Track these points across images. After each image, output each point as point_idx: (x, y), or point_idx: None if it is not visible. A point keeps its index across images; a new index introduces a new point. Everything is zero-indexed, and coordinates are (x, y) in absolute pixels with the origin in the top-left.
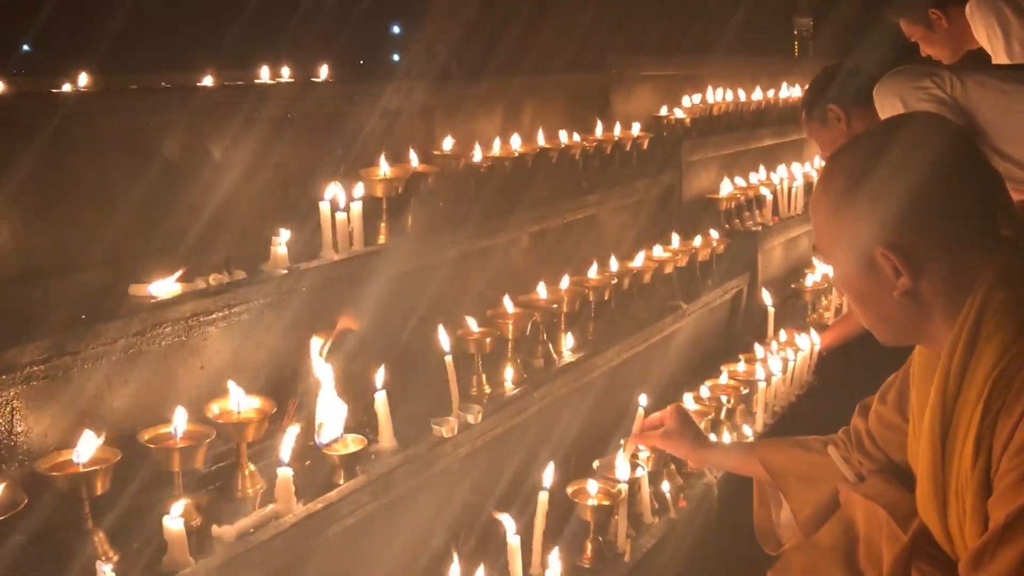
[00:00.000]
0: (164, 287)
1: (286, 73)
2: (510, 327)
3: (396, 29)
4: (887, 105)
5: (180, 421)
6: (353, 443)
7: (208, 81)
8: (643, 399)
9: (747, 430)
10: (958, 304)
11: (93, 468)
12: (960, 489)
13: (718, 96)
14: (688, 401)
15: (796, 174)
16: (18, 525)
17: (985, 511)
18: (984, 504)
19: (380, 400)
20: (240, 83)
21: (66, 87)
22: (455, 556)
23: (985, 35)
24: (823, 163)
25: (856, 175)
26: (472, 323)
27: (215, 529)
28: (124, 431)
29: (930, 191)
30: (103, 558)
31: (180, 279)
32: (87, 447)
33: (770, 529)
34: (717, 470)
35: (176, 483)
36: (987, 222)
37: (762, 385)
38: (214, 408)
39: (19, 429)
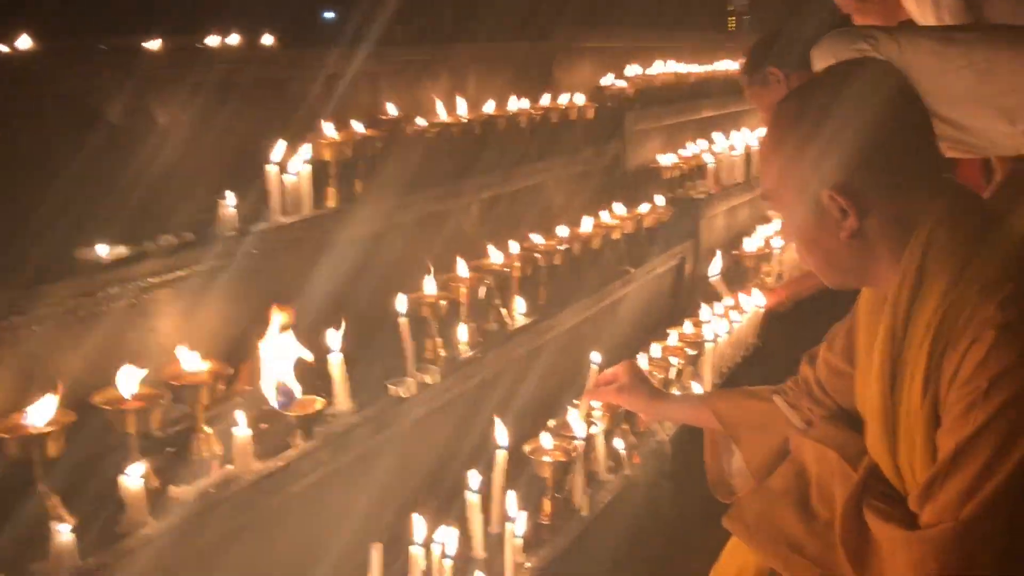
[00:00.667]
0: (112, 250)
1: (234, 39)
2: (463, 291)
3: None
4: (823, 66)
5: (130, 382)
6: (311, 404)
7: (154, 45)
8: (596, 356)
9: (697, 389)
10: (903, 244)
11: (46, 430)
12: (909, 425)
13: (660, 68)
14: (641, 362)
15: (736, 145)
16: None
17: (934, 445)
18: (932, 438)
19: (336, 362)
20: (185, 47)
21: (3, 48)
22: (417, 514)
23: (915, 3)
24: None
25: (802, 120)
26: (428, 286)
27: (173, 490)
28: (76, 394)
29: (874, 133)
30: (58, 520)
31: (128, 242)
32: (43, 409)
33: (722, 479)
34: (671, 423)
35: (131, 445)
36: (928, 164)
37: (709, 347)
38: (169, 370)
39: None
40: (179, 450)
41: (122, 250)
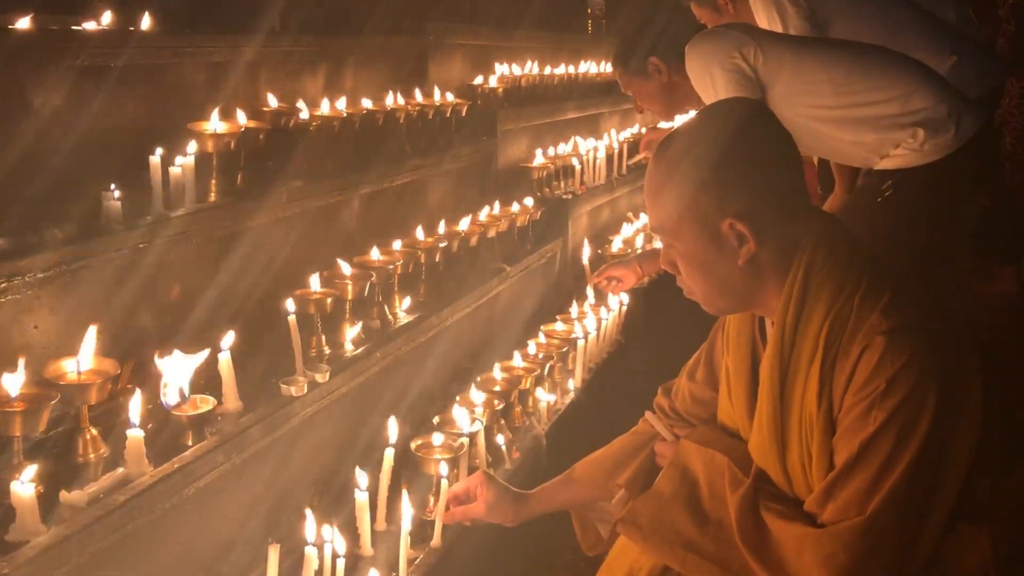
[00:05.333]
0: None
1: (107, 20)
2: (349, 288)
3: None
4: (696, 69)
5: (15, 382)
6: (201, 403)
7: (24, 24)
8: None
9: (570, 384)
10: (787, 267)
11: None
12: (804, 433)
13: (526, 69)
14: (516, 359)
15: (600, 148)
16: None
17: (831, 449)
18: (829, 443)
19: (224, 360)
20: (56, 28)
21: None
22: (307, 513)
23: (767, 22)
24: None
25: (695, 155)
26: (315, 283)
27: (63, 495)
28: None
29: (763, 164)
30: None
31: (10, 234)
32: None
33: (599, 541)
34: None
35: (16, 449)
36: (801, 194)
37: (580, 343)
38: (53, 369)
39: None
40: (60, 452)
41: (2, 243)
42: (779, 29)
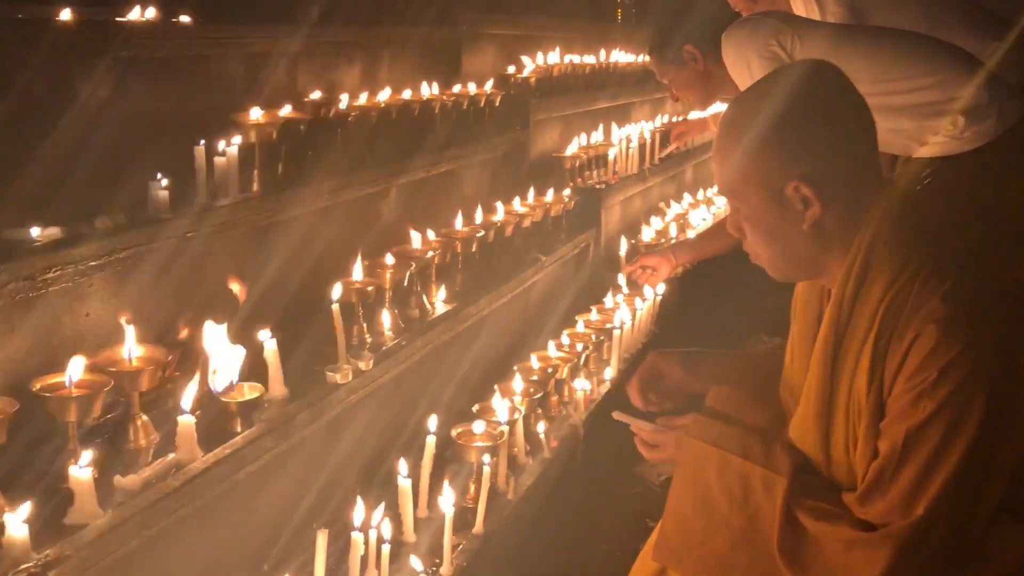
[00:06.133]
0: (46, 231)
1: (150, 12)
2: (388, 277)
3: None
4: (733, 58)
5: (75, 369)
6: (249, 391)
7: (66, 15)
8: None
9: (606, 373)
10: (851, 237)
11: None
12: (852, 412)
13: (556, 58)
14: (551, 349)
15: (632, 136)
16: None
17: (876, 433)
18: (876, 427)
19: (270, 348)
20: (103, 20)
21: None
22: (358, 500)
23: (804, 10)
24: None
25: (762, 116)
26: (357, 272)
27: (117, 479)
28: (13, 381)
29: (833, 128)
30: (6, 512)
31: (60, 222)
32: None
33: None
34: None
35: (71, 434)
36: (875, 163)
37: (616, 333)
38: (106, 356)
39: None
40: (111, 437)
41: (56, 231)
42: (816, 17)
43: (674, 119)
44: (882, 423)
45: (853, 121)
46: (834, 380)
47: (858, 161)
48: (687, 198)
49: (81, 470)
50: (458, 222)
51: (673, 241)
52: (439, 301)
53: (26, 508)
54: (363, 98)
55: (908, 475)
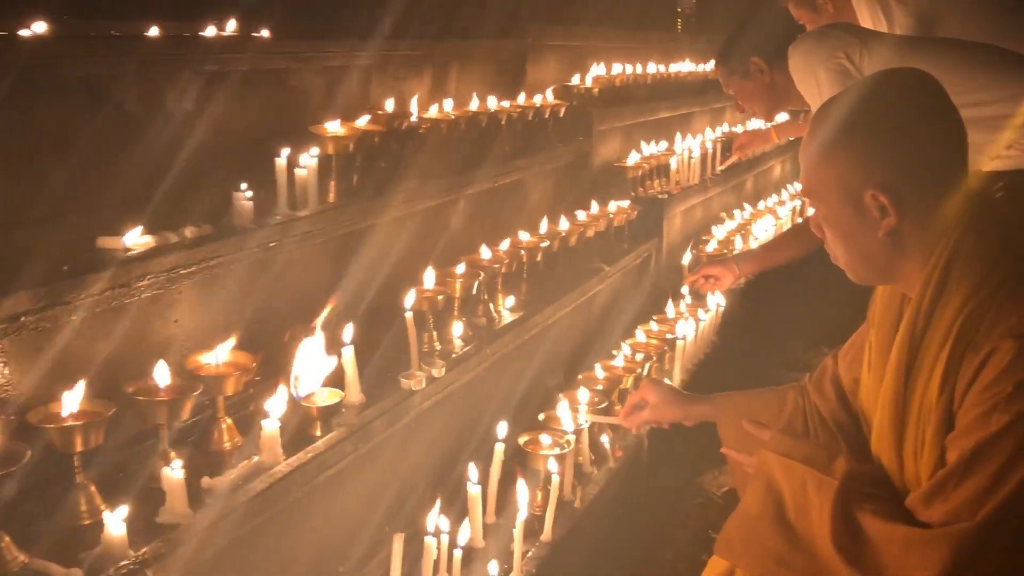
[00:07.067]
0: (137, 239)
1: (231, 27)
2: (458, 286)
3: None
4: (800, 70)
5: (164, 374)
6: (329, 396)
7: (154, 31)
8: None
9: None
10: (932, 246)
11: (88, 421)
12: (922, 421)
13: (617, 68)
14: (617, 358)
15: (694, 147)
16: (7, 479)
17: (943, 444)
18: (942, 437)
19: (348, 355)
20: (188, 35)
21: (25, 32)
22: (436, 503)
23: (870, 21)
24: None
25: (848, 121)
26: (428, 281)
27: (205, 481)
28: (104, 384)
29: (918, 137)
30: (104, 510)
31: (150, 232)
32: (80, 399)
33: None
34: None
35: (161, 436)
36: (959, 172)
37: (679, 344)
38: (193, 361)
39: (5, 381)
40: (197, 440)
41: (148, 240)
42: (884, 28)
43: (734, 129)
44: (951, 434)
45: (941, 132)
46: (908, 388)
47: (942, 171)
48: (748, 208)
49: (173, 471)
50: (523, 232)
51: (736, 252)
52: (505, 310)
53: (124, 508)
54: (433, 110)
55: (975, 482)
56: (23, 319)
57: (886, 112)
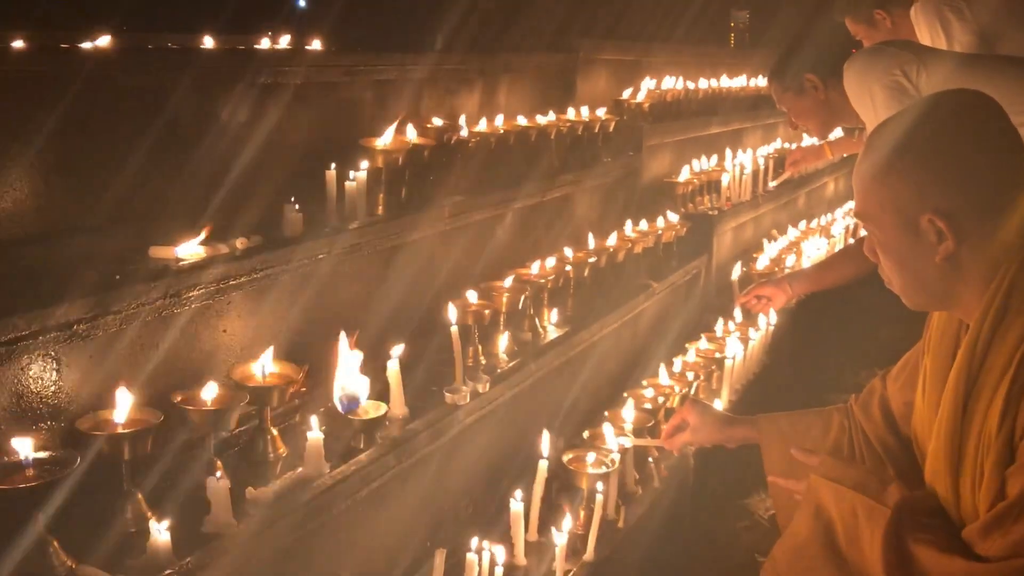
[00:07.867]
0: (189, 249)
1: (285, 40)
2: (504, 300)
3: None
4: (855, 87)
5: (211, 384)
6: (373, 410)
7: (209, 43)
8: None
9: (716, 404)
10: (991, 272)
11: (136, 429)
12: (980, 452)
13: (668, 83)
14: (663, 376)
15: (746, 163)
16: (57, 485)
17: (1002, 476)
18: (1002, 469)
19: (393, 369)
20: (243, 48)
21: (86, 45)
22: (467, 521)
23: (929, 37)
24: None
25: (904, 143)
26: (472, 296)
27: (249, 491)
28: (152, 393)
29: (976, 159)
30: (151, 518)
31: (201, 242)
32: (129, 407)
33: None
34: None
35: (207, 445)
36: (1021, 193)
37: (729, 363)
38: (240, 372)
39: (56, 388)
40: (242, 450)
41: (200, 250)
42: (943, 45)
43: (787, 144)
44: (1013, 467)
45: (1001, 155)
46: (966, 418)
47: (1002, 195)
48: (801, 225)
49: (219, 481)
50: (569, 248)
51: (787, 271)
52: (551, 325)
53: (167, 520)
54: (483, 124)
55: None
56: (76, 327)
57: (943, 134)
